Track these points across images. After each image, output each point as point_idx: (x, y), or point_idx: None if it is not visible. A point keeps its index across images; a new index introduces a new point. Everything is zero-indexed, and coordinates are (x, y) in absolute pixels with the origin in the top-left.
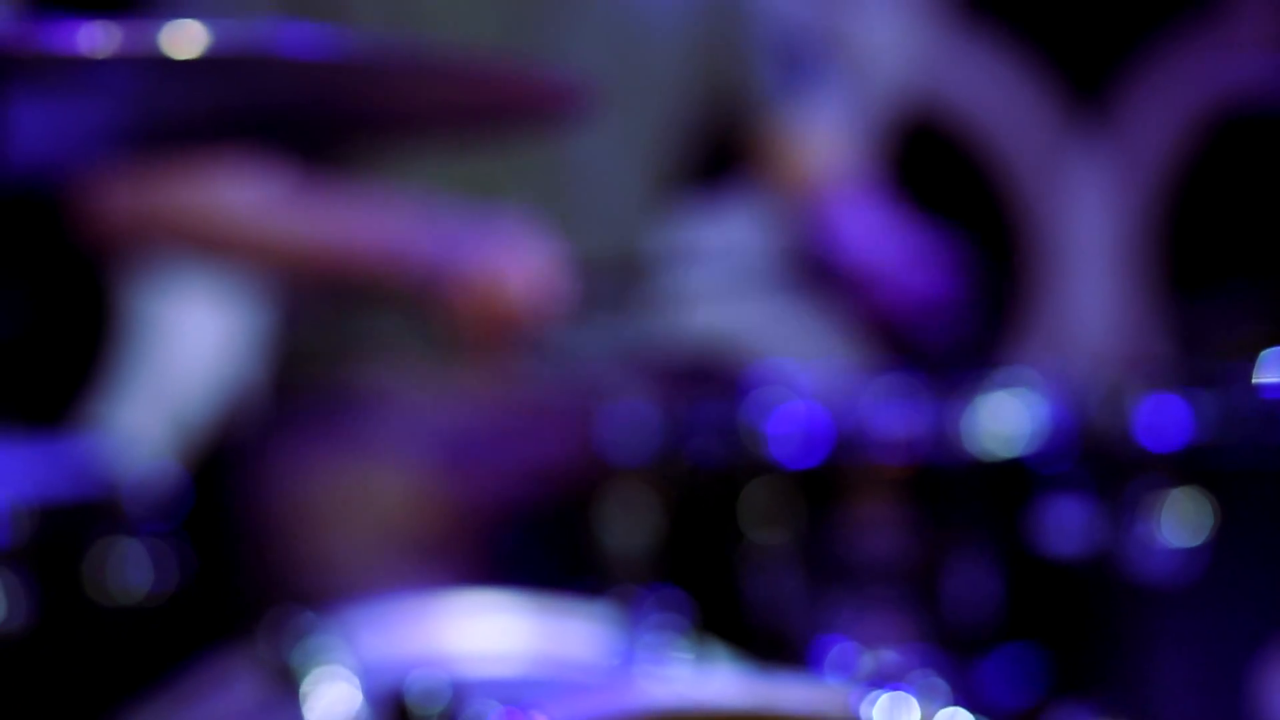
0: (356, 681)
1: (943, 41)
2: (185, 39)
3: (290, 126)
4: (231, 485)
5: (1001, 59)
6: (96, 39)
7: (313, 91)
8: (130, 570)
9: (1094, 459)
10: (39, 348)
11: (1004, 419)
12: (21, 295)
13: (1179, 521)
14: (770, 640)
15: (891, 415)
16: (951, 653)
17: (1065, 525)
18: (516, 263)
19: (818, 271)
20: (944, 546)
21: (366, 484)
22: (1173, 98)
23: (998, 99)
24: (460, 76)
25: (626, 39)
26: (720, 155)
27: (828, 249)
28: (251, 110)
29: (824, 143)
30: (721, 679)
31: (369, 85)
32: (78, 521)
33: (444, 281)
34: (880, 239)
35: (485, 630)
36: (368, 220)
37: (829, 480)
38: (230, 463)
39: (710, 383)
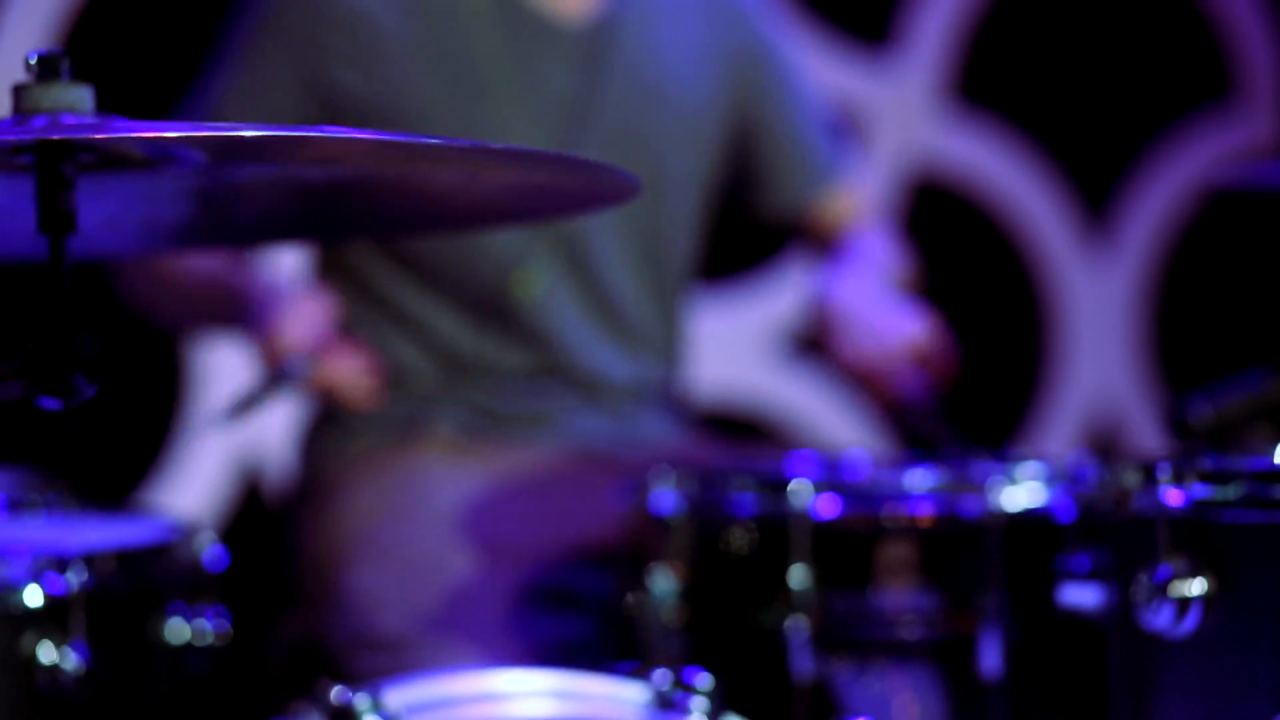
0: None
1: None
2: (249, 133)
3: (345, 226)
4: (283, 538)
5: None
6: (166, 134)
7: (365, 189)
8: (185, 623)
9: (1106, 518)
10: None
11: (1021, 481)
12: (95, 357)
13: (1187, 577)
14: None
15: (914, 474)
16: None
17: (1080, 580)
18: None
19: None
20: (965, 602)
21: (408, 553)
22: (1169, 193)
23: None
24: (512, 169)
25: (649, 144)
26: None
27: (825, 285)
28: (313, 206)
29: (861, 205)
30: None
31: (426, 176)
32: (139, 573)
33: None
34: (876, 278)
35: (523, 709)
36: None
37: (855, 535)
38: (278, 518)
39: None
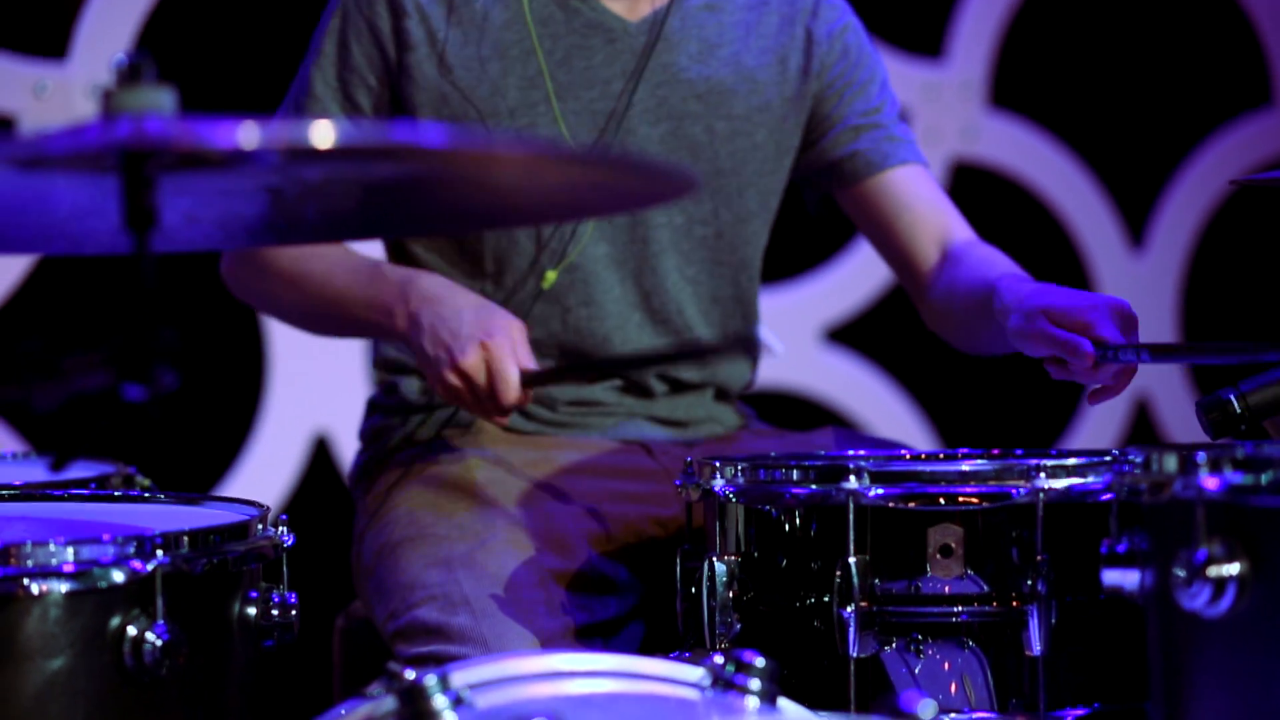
0: None
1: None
2: (324, 132)
3: (410, 220)
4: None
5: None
6: (245, 134)
7: (431, 187)
8: (259, 601)
9: (1146, 503)
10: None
11: (1061, 464)
12: (178, 349)
13: (1223, 560)
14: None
15: (962, 460)
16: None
17: (1122, 563)
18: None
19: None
20: (1011, 584)
21: (457, 542)
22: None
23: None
24: (575, 167)
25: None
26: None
27: (1002, 274)
28: (377, 207)
29: (931, 184)
30: None
31: (493, 173)
32: (217, 553)
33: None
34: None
35: (584, 688)
36: (370, 290)
37: (905, 519)
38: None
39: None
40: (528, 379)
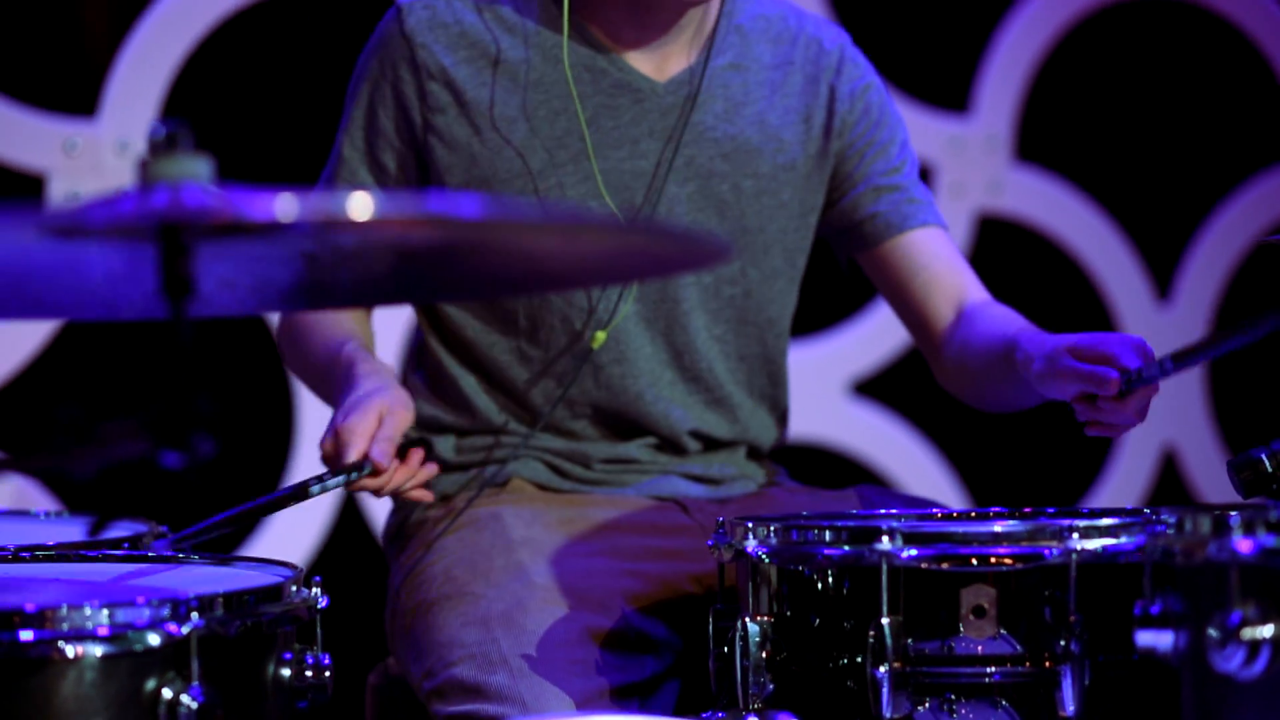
0: None
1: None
2: (361, 205)
3: (444, 286)
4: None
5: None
6: (282, 206)
7: (466, 254)
8: (293, 663)
9: (1180, 565)
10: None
11: (1094, 524)
12: (215, 417)
13: (1257, 623)
14: None
15: (995, 521)
16: None
17: (1155, 624)
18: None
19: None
20: (1045, 645)
21: (491, 601)
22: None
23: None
24: (610, 235)
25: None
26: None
27: (1023, 330)
28: (412, 273)
29: (951, 247)
30: None
31: (527, 242)
32: (251, 615)
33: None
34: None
35: None
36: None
37: (938, 580)
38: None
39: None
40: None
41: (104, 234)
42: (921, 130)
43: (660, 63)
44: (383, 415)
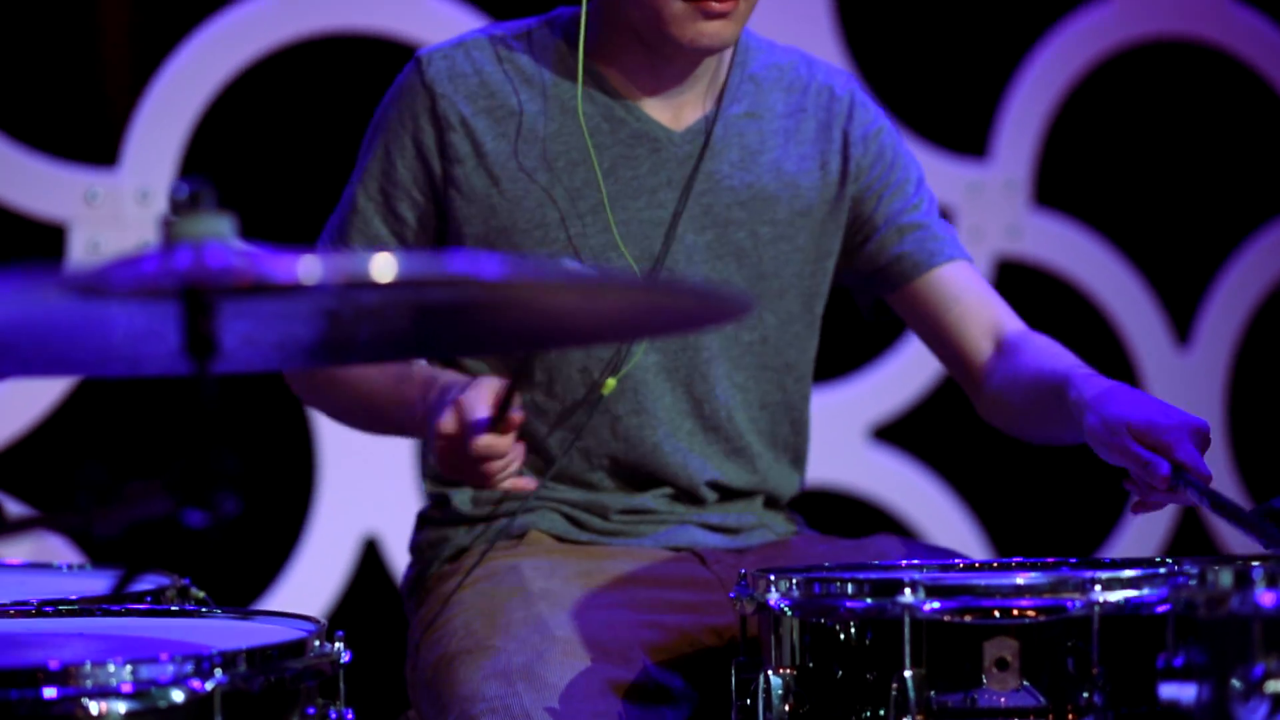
0: None
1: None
2: (384, 266)
3: (464, 340)
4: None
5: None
6: (305, 268)
7: (487, 310)
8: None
9: (1202, 618)
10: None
11: (1116, 576)
12: (238, 475)
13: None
14: None
15: (1017, 573)
16: None
17: (1179, 677)
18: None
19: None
20: (1068, 698)
21: (510, 655)
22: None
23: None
24: (625, 294)
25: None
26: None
27: (1066, 367)
28: (432, 329)
29: (976, 279)
30: None
31: (548, 299)
32: (274, 671)
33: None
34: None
35: None
36: (397, 381)
37: (961, 633)
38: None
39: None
40: (493, 422)
41: (128, 295)
42: (940, 175)
43: (676, 112)
44: (466, 387)
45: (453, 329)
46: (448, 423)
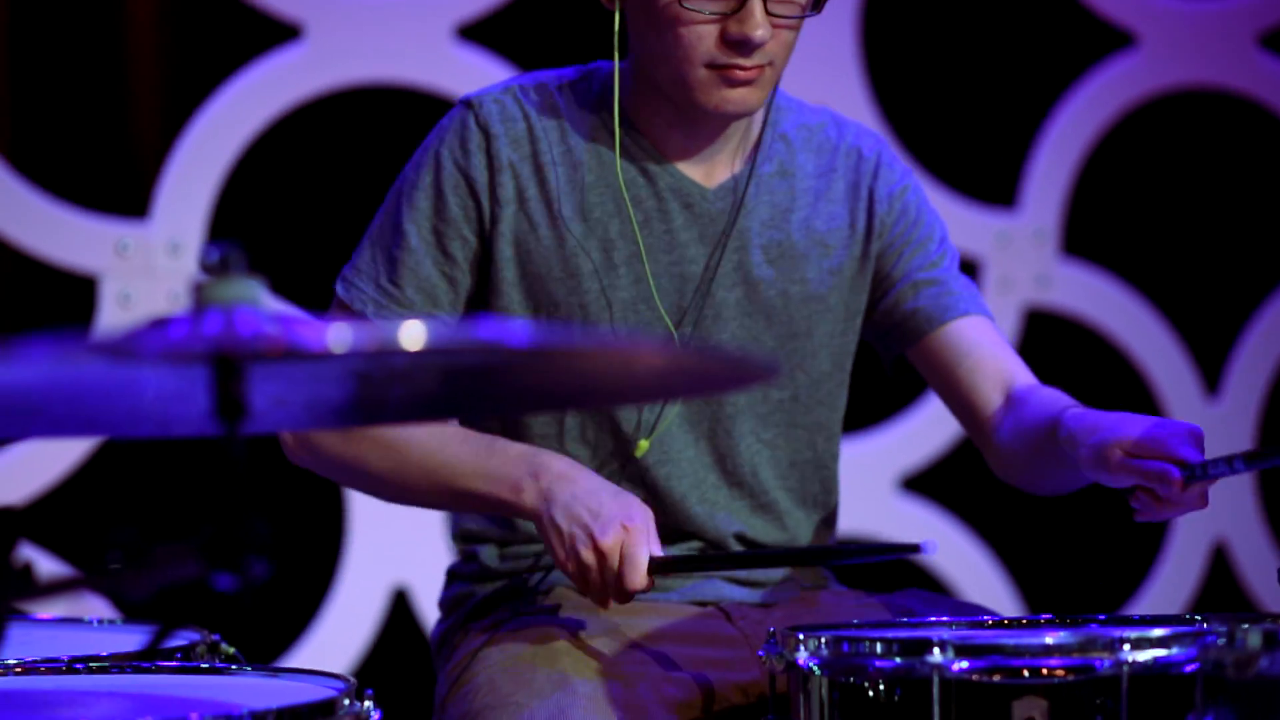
0: None
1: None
2: (413, 334)
3: (494, 402)
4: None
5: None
6: (335, 337)
7: (516, 373)
8: None
9: (1231, 677)
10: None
11: (1145, 635)
12: (269, 539)
13: None
14: None
15: (1045, 632)
16: None
17: None
18: (603, 536)
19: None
20: None
21: (538, 714)
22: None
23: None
24: (647, 360)
25: (789, 322)
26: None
27: (1076, 414)
28: (462, 391)
29: (996, 334)
30: None
31: (578, 364)
32: None
33: (546, 538)
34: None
35: None
36: (490, 463)
37: (990, 692)
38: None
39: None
40: (655, 566)
41: (158, 360)
42: (969, 225)
43: (709, 169)
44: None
45: (483, 390)
46: (610, 542)
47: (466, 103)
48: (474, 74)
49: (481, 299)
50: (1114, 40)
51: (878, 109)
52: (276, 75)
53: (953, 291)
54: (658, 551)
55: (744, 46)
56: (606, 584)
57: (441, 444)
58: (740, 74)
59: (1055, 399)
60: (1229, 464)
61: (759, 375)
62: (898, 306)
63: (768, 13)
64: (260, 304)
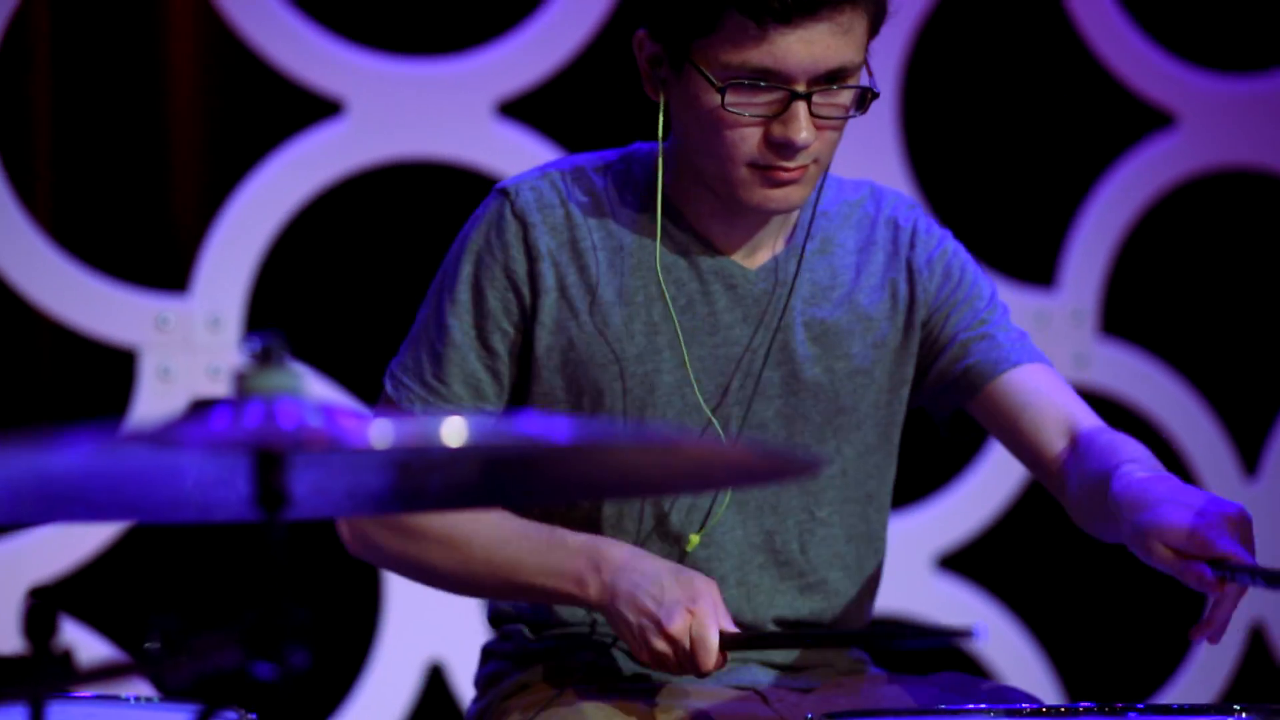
0: None
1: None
2: (454, 430)
3: (533, 492)
4: None
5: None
6: (377, 433)
7: (557, 465)
8: None
9: None
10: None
11: None
12: (308, 627)
13: None
14: None
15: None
16: None
17: None
18: (670, 623)
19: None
20: None
21: None
22: None
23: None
24: (688, 455)
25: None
26: None
27: (1133, 475)
28: (502, 481)
29: (1055, 380)
30: None
31: (619, 457)
32: None
33: (614, 625)
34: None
35: None
36: (551, 558)
37: None
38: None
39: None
40: (727, 642)
41: (200, 449)
42: (1007, 304)
43: (751, 251)
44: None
45: (523, 481)
46: (679, 627)
47: (502, 191)
48: (515, 151)
49: (524, 386)
50: (1153, 120)
51: (917, 186)
52: (318, 150)
53: (1001, 344)
54: (729, 626)
55: (787, 149)
56: (684, 667)
57: (503, 539)
58: (784, 175)
59: (1113, 449)
60: (1252, 576)
61: (803, 469)
62: (951, 367)
63: (811, 114)
64: (303, 394)
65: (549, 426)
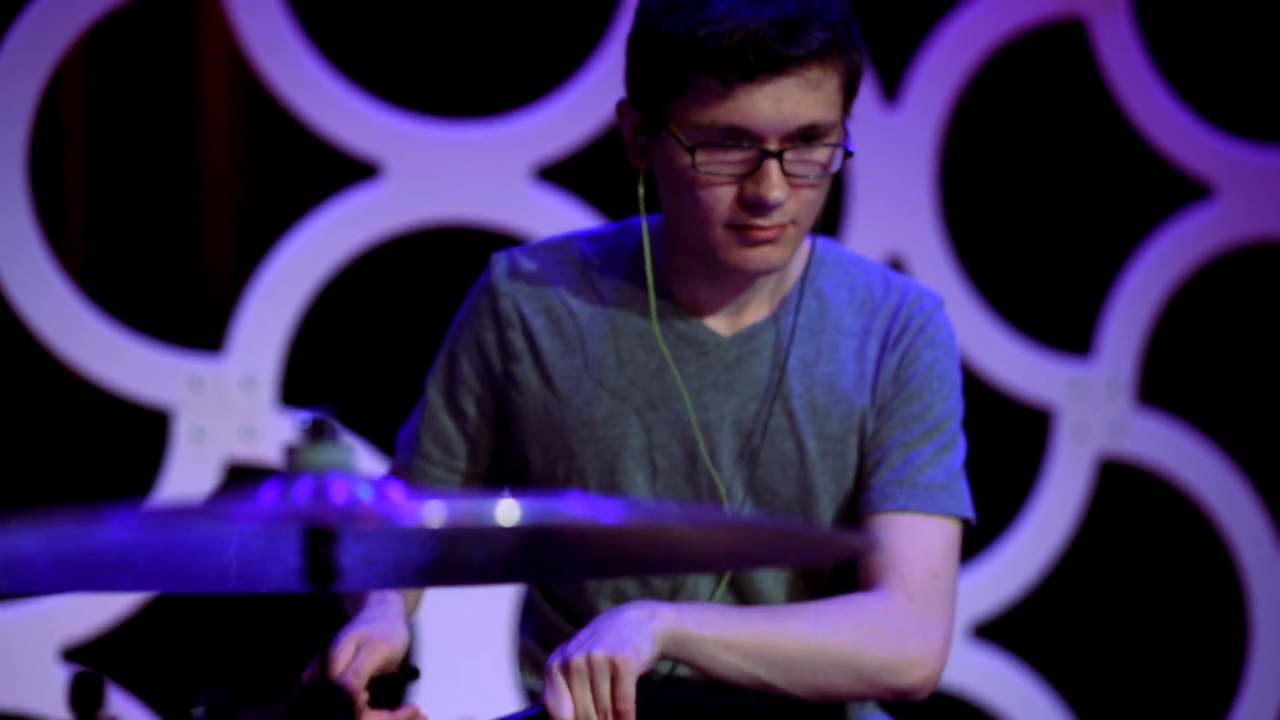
0: None
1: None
2: (508, 512)
3: (574, 568)
4: None
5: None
6: (430, 513)
7: (600, 549)
8: None
9: None
10: None
11: None
12: (350, 704)
13: None
14: None
15: None
16: None
17: None
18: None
19: None
20: None
21: None
22: None
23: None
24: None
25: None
26: None
27: None
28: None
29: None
30: None
31: (661, 536)
32: None
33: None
34: None
35: None
36: None
37: None
38: None
39: None
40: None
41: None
42: (1043, 373)
43: (731, 319)
44: (359, 646)
45: (562, 553)
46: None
47: (488, 262)
48: (552, 215)
49: (504, 452)
50: (1191, 191)
51: (954, 255)
52: (355, 212)
53: (903, 482)
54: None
55: (760, 208)
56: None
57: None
58: (760, 234)
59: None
60: None
61: (844, 551)
62: (861, 473)
63: (785, 172)
64: (353, 469)
65: (600, 508)
